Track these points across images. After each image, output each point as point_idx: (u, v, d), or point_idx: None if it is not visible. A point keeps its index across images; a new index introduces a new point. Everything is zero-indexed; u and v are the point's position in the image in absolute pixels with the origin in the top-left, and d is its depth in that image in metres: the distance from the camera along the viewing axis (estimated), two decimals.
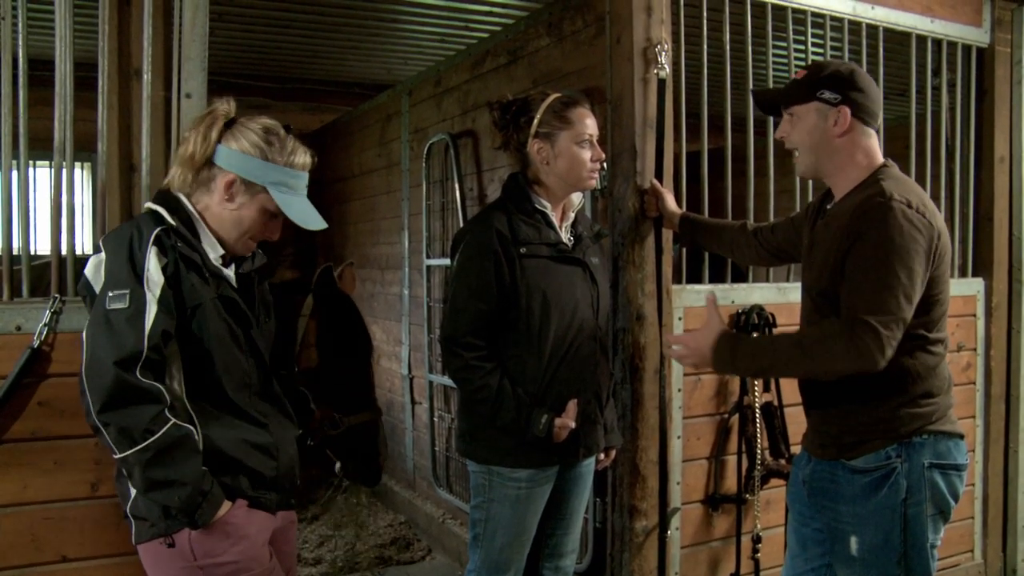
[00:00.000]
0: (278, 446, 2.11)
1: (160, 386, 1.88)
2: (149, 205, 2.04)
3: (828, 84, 2.24)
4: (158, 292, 1.89)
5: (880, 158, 2.29)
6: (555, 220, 2.60)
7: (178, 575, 1.97)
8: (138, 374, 1.83)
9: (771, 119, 3.39)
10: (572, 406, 2.52)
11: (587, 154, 2.55)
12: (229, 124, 2.05)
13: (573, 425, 2.52)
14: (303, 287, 2.58)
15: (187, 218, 2.02)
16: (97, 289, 1.93)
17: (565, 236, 2.62)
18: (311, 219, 2.07)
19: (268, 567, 2.07)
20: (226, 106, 2.07)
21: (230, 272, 2.10)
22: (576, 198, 2.69)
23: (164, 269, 1.91)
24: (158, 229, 1.94)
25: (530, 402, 2.48)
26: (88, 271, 1.96)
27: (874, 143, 2.29)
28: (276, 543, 2.16)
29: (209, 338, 1.98)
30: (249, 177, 2.02)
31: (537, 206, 2.57)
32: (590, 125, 2.57)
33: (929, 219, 2.10)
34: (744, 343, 2.27)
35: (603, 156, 2.60)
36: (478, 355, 2.48)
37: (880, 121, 2.32)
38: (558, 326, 2.51)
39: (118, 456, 1.87)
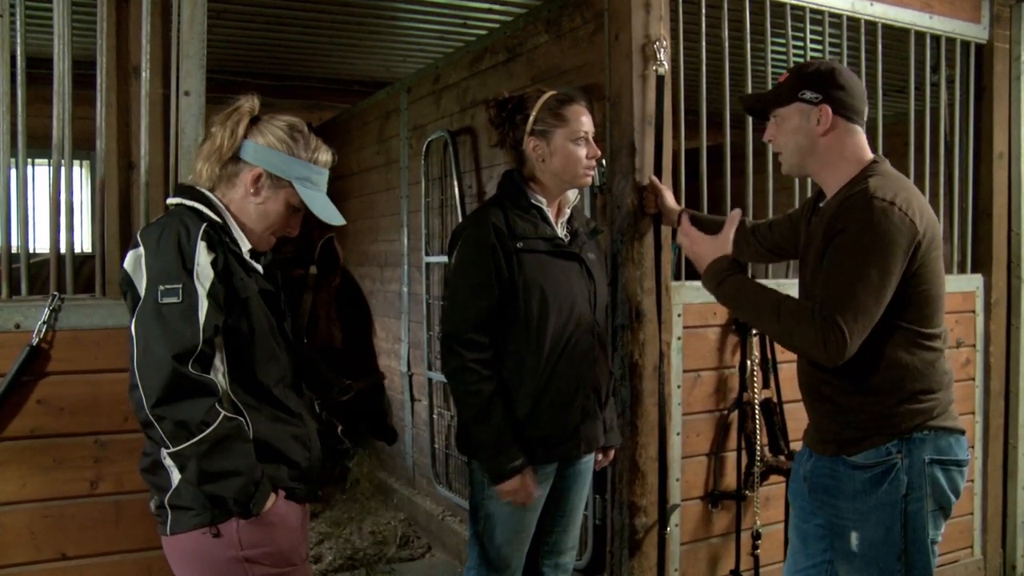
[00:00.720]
0: (310, 436, 2.14)
1: (211, 378, 1.89)
2: (182, 201, 2.03)
3: (809, 84, 2.25)
4: (208, 286, 1.90)
5: (868, 154, 2.29)
6: (551, 216, 2.60)
7: (224, 565, 1.97)
8: (191, 367, 1.84)
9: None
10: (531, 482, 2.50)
11: (582, 151, 2.55)
12: (254, 121, 2.07)
13: (535, 494, 2.51)
14: (303, 261, 2.62)
15: (218, 214, 2.04)
16: (138, 283, 1.92)
17: (561, 232, 2.62)
18: (332, 215, 2.11)
19: (305, 560, 2.10)
20: (250, 103, 2.08)
21: (259, 266, 2.12)
22: (572, 194, 2.69)
23: (214, 264, 1.93)
24: (204, 224, 1.95)
25: (511, 438, 2.46)
26: (128, 265, 1.96)
27: (861, 140, 2.29)
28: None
29: (255, 331, 2.01)
30: (276, 171, 2.04)
31: (533, 202, 2.57)
32: (586, 122, 2.57)
33: (912, 217, 2.10)
34: (734, 279, 2.27)
35: (599, 153, 2.60)
36: (478, 357, 2.47)
37: (866, 117, 2.32)
38: (556, 321, 2.51)
39: (172, 450, 1.86)
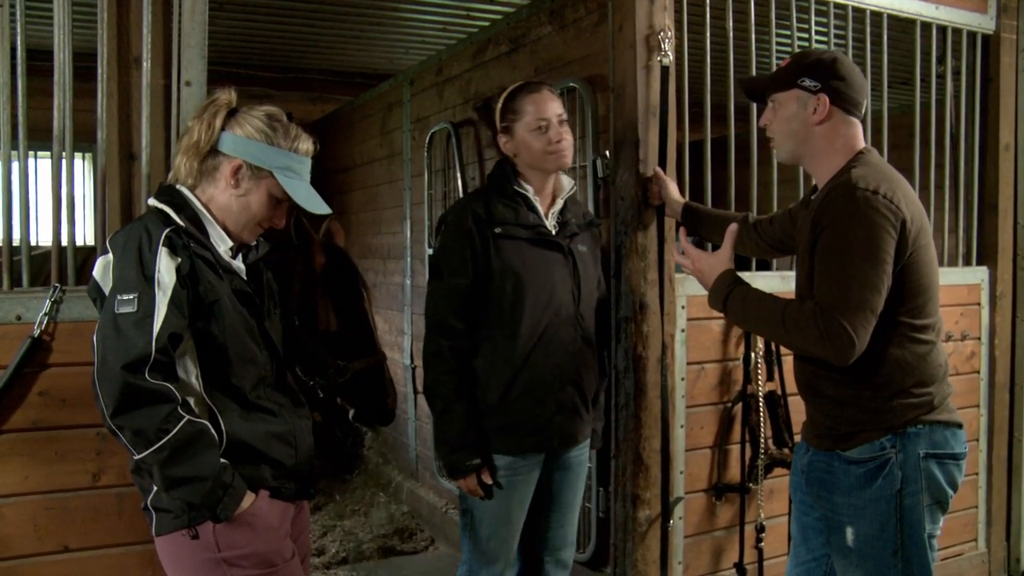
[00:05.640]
0: (295, 435, 2.12)
1: (170, 385, 1.87)
2: (154, 203, 2.02)
3: (809, 72, 2.23)
4: (169, 293, 1.88)
5: (860, 145, 2.27)
6: (538, 204, 2.60)
7: (201, 566, 1.97)
8: (147, 375, 1.83)
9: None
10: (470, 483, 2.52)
11: (543, 139, 2.53)
12: (232, 113, 2.05)
13: (481, 494, 2.52)
14: (291, 244, 2.61)
15: (194, 215, 2.01)
16: (107, 291, 1.92)
17: (551, 222, 2.61)
18: (316, 204, 2.07)
19: (290, 560, 2.07)
20: (228, 95, 2.07)
21: (240, 264, 2.10)
22: (566, 183, 2.68)
23: (179, 269, 1.90)
24: (167, 229, 1.92)
25: (474, 436, 2.48)
26: (96, 272, 1.96)
27: (855, 131, 2.27)
28: (291, 532, 2.16)
29: (226, 333, 1.98)
30: (255, 162, 2.02)
31: (517, 188, 2.58)
32: (544, 109, 2.55)
33: (897, 205, 2.08)
34: (740, 291, 2.29)
35: (563, 136, 2.56)
36: (453, 345, 2.50)
37: (864, 110, 2.30)
38: (532, 308, 2.50)
39: (136, 457, 1.87)
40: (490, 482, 2.52)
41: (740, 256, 3.27)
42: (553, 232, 2.59)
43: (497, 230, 2.50)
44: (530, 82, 2.65)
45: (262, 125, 2.03)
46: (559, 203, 2.65)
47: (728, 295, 2.30)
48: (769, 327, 2.24)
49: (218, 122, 2.02)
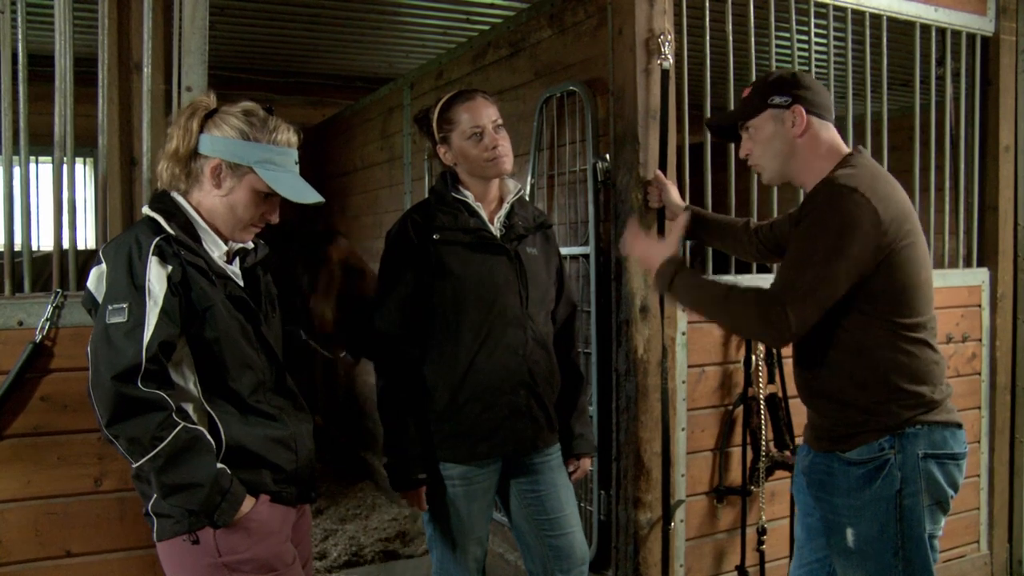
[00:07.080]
0: (295, 439, 2.12)
1: (162, 393, 1.87)
2: (147, 212, 2.02)
3: (775, 89, 2.28)
4: (160, 301, 1.87)
5: (844, 148, 2.29)
6: (481, 210, 2.58)
7: (203, 571, 1.97)
8: (139, 384, 1.83)
9: None
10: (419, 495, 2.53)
11: (478, 146, 2.53)
12: (211, 115, 2.04)
13: (424, 508, 2.54)
14: (292, 236, 2.63)
15: (186, 221, 2.01)
16: (100, 301, 1.92)
17: (497, 226, 2.59)
18: (304, 194, 2.05)
19: (291, 564, 2.07)
20: (206, 98, 2.07)
21: (236, 269, 2.10)
22: (512, 185, 2.67)
23: (170, 277, 1.90)
24: (157, 238, 1.92)
25: (420, 451, 2.49)
26: (90, 283, 1.96)
27: (834, 135, 2.30)
28: (293, 536, 2.16)
29: (221, 338, 1.98)
30: (233, 159, 2.01)
31: (457, 196, 2.57)
32: (478, 116, 2.53)
33: (874, 203, 2.08)
34: (685, 275, 2.31)
35: (499, 142, 2.54)
36: (402, 351, 2.51)
37: (834, 114, 2.32)
38: (476, 312, 2.49)
39: (134, 465, 1.88)
40: (424, 502, 2.53)
41: (740, 260, 3.28)
42: (498, 236, 2.58)
43: (436, 236, 2.50)
44: (463, 91, 2.62)
45: (238, 122, 2.02)
46: (505, 207, 2.63)
47: (673, 278, 2.32)
48: (712, 308, 2.26)
49: (195, 125, 2.01)
